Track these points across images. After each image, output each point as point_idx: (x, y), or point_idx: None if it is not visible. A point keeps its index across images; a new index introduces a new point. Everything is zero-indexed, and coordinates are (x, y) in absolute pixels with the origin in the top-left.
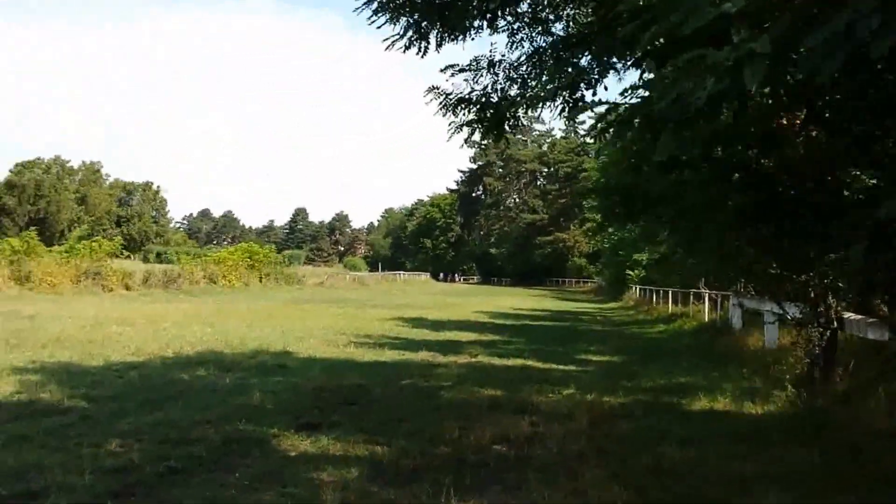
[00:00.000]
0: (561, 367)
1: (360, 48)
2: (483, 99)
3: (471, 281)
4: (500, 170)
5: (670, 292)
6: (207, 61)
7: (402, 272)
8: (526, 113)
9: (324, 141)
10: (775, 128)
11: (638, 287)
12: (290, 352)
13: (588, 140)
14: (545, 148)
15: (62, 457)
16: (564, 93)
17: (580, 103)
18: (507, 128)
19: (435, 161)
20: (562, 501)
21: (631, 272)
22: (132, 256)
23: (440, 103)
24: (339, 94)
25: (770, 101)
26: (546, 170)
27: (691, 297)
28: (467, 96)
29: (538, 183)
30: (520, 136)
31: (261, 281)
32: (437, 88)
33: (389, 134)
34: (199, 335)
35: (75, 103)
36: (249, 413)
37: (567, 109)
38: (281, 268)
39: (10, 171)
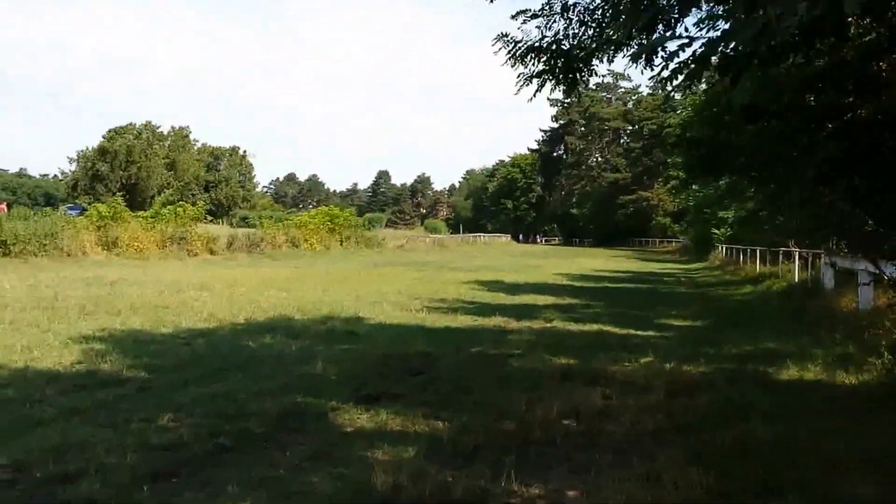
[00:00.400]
0: (639, 332)
1: (443, 11)
2: (553, 46)
3: (552, 242)
4: (582, 129)
5: (758, 251)
6: (291, 26)
7: (482, 234)
8: (600, 60)
9: (406, 103)
10: (875, 71)
11: (724, 246)
12: (361, 317)
13: (667, 89)
14: (630, 105)
15: (109, 433)
16: (641, 35)
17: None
18: (579, 78)
19: (517, 121)
20: (633, 487)
21: (717, 231)
22: (221, 221)
23: (508, 52)
24: (420, 56)
25: (870, 38)
26: (630, 127)
27: (780, 256)
28: (537, 44)
29: (621, 141)
30: (604, 94)
31: (341, 244)
32: (506, 36)
33: (471, 94)
34: (273, 300)
35: (164, 68)
36: (311, 384)
37: (642, 53)
38: (361, 231)
39: (103, 137)
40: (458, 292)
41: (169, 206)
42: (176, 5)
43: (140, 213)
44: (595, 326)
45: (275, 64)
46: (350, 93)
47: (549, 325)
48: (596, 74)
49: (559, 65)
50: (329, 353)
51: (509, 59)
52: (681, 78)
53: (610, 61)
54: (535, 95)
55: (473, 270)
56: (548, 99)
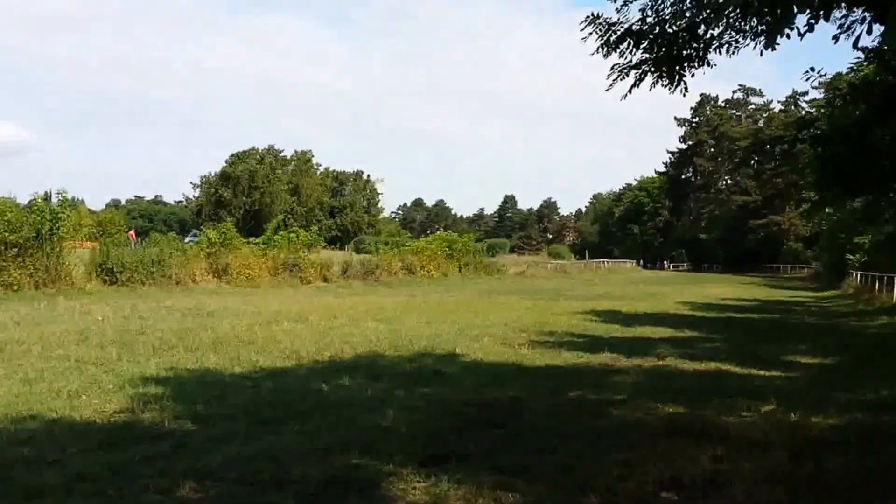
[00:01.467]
0: (762, 372)
1: (569, 33)
2: (656, 29)
3: (680, 268)
4: (712, 150)
5: (895, 279)
6: (419, 49)
7: (606, 259)
8: (712, 45)
9: (532, 128)
10: None
11: (859, 273)
12: (456, 354)
13: (804, 104)
14: (761, 123)
15: None
16: (764, 10)
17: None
18: (686, 69)
19: (646, 143)
20: None
21: (851, 257)
22: (347, 247)
23: (600, 36)
24: (546, 80)
25: None
26: (762, 147)
27: None
28: (636, 27)
29: (752, 162)
30: (733, 111)
31: (460, 271)
32: (598, 17)
33: (599, 116)
34: (368, 333)
35: (286, 92)
36: (374, 438)
37: (766, 32)
38: (480, 257)
39: (226, 162)
40: (569, 324)
41: (282, 232)
42: (300, 27)
43: (252, 239)
44: (712, 364)
45: (402, 88)
46: (477, 116)
47: (661, 362)
48: (708, 65)
49: (662, 52)
50: (406, 399)
51: (602, 46)
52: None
53: (726, 46)
54: (630, 91)
55: (591, 299)
56: (675, 118)
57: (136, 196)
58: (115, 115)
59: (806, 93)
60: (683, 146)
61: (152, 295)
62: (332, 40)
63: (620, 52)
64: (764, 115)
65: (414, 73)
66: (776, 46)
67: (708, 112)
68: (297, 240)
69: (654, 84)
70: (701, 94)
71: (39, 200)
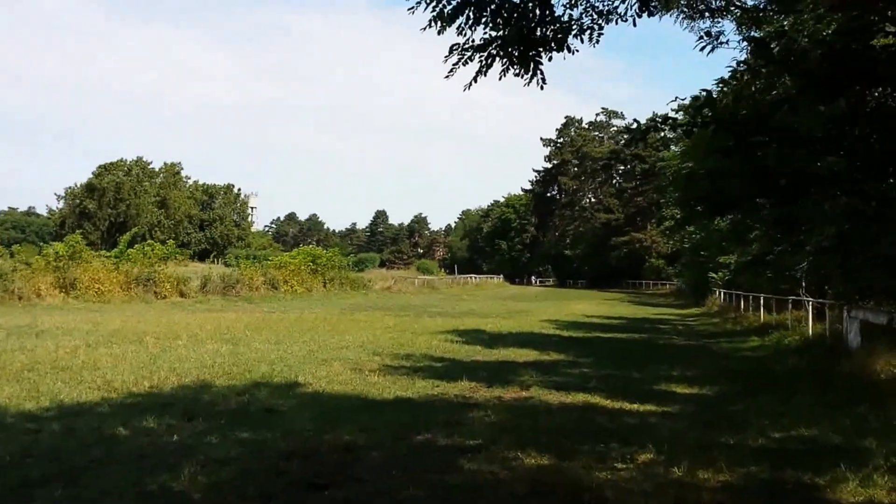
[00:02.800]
0: (635, 406)
1: (440, 53)
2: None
3: (546, 283)
4: (575, 168)
5: (762, 299)
6: (289, 63)
7: (473, 275)
8: (572, 30)
9: (403, 142)
10: None
11: (722, 291)
12: (298, 383)
13: (669, 133)
14: (621, 144)
15: None
16: None
17: None
18: (543, 56)
19: (513, 161)
20: None
21: (714, 275)
22: (216, 261)
23: (432, 7)
24: (418, 97)
25: None
26: (622, 167)
27: (790, 304)
28: None
29: (614, 181)
30: (595, 133)
31: (325, 286)
32: None
33: (468, 134)
34: (205, 357)
35: (160, 106)
36: None
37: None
38: (346, 272)
39: (93, 173)
40: (429, 345)
41: (137, 245)
42: (170, 40)
43: (103, 251)
44: (580, 396)
45: (273, 102)
46: (348, 132)
47: (524, 393)
48: (569, 50)
49: (510, 30)
50: (217, 449)
51: (434, 20)
52: None
53: (586, 33)
54: (476, 80)
55: (456, 316)
56: (541, 139)
57: (9, 207)
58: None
59: (666, 115)
60: (549, 165)
61: None
62: (206, 52)
63: (459, 29)
64: (625, 136)
65: (287, 90)
66: (652, 11)
67: (572, 133)
68: (153, 253)
69: (504, 72)
70: (566, 116)
71: None
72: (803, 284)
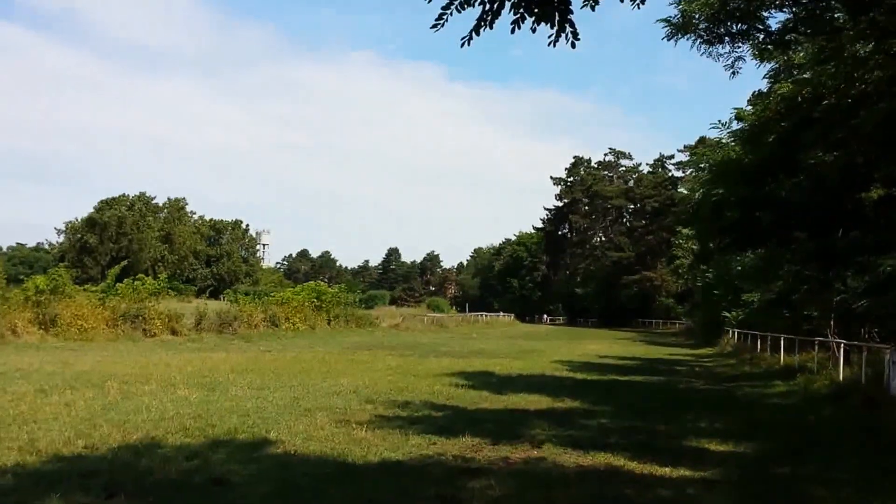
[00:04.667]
0: (666, 469)
1: (457, 93)
2: None
3: (557, 322)
4: (586, 207)
5: (782, 339)
6: (302, 105)
7: (484, 313)
8: None
9: (416, 182)
10: None
11: (736, 331)
12: (266, 441)
13: (677, 173)
14: (631, 183)
15: None
16: None
17: None
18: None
19: (525, 200)
20: None
21: (728, 314)
22: (224, 297)
23: None
24: (430, 137)
25: None
26: (632, 206)
27: (816, 346)
28: None
29: (624, 220)
30: (605, 172)
31: (329, 323)
32: None
33: (480, 173)
34: (168, 406)
35: (170, 144)
36: None
37: None
38: (352, 309)
39: (94, 208)
40: (431, 390)
41: (126, 280)
42: (178, 79)
43: (88, 286)
44: (601, 457)
45: (287, 146)
46: (361, 171)
47: (535, 452)
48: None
49: None
50: None
51: None
52: None
53: None
54: (477, 32)
55: (464, 356)
56: (551, 178)
57: (17, 243)
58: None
59: (672, 156)
60: (559, 203)
61: None
62: (223, 103)
63: None
64: (633, 175)
65: (300, 135)
66: None
67: (582, 172)
68: (143, 287)
69: (517, 22)
70: (574, 156)
71: None
72: (831, 325)
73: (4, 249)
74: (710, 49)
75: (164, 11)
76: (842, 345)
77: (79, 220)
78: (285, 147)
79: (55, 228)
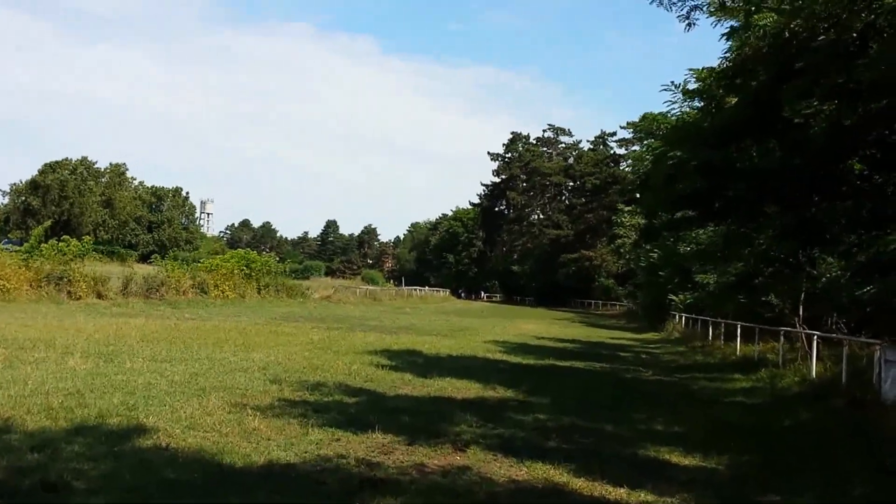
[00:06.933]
0: (622, 493)
1: (393, 66)
2: None
3: (494, 299)
4: (524, 184)
5: (739, 327)
6: (244, 81)
7: (419, 287)
8: None
9: (356, 155)
10: None
11: (684, 316)
12: (139, 429)
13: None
14: (571, 161)
15: None
16: None
17: None
18: None
19: (462, 174)
20: None
21: (675, 297)
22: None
23: None
24: (371, 108)
25: None
26: (572, 183)
27: (781, 336)
28: None
29: (563, 197)
30: (544, 149)
31: (259, 293)
32: None
33: (417, 146)
34: (47, 380)
35: (113, 109)
36: None
37: None
38: (282, 279)
39: (38, 171)
40: (349, 370)
41: (51, 241)
42: (125, 46)
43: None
44: (539, 469)
45: (228, 110)
46: (300, 142)
47: (458, 458)
48: None
49: None
50: None
51: None
52: None
53: None
54: None
55: (393, 332)
56: (488, 153)
57: None
58: None
59: (614, 133)
60: (497, 180)
61: None
62: (164, 70)
63: None
64: (573, 153)
65: (243, 105)
66: None
67: (520, 148)
68: (68, 249)
69: None
70: (512, 132)
71: None
72: (800, 313)
73: None
74: None
75: None
76: (814, 337)
77: (23, 182)
78: (227, 116)
79: (0, 190)
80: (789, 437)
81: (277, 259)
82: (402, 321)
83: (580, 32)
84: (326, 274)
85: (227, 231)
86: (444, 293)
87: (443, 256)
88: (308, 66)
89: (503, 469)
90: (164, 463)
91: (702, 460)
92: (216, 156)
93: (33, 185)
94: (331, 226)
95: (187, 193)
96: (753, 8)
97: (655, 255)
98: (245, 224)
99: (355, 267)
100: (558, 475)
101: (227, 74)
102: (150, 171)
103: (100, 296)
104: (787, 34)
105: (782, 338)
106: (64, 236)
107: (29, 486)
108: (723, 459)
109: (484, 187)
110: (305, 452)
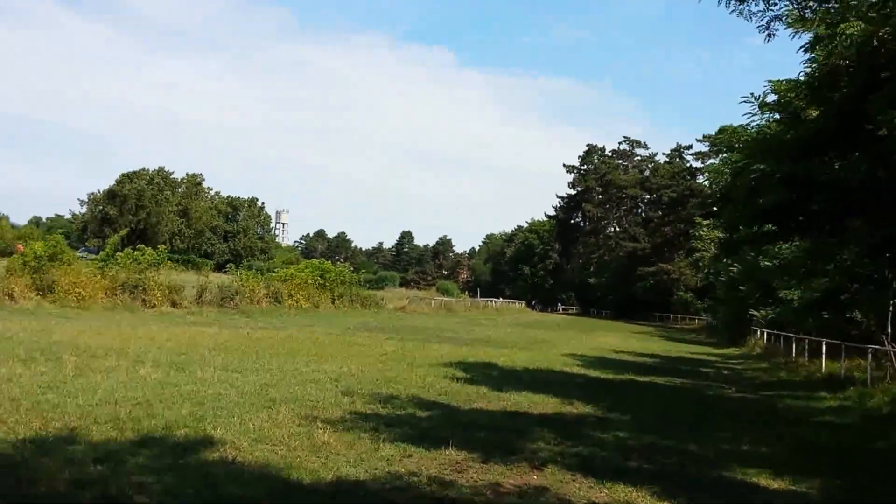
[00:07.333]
0: None
1: (467, 78)
2: None
3: (570, 311)
4: (600, 196)
5: (824, 344)
6: (318, 93)
7: (494, 299)
8: None
9: (430, 166)
10: None
11: (765, 331)
12: (206, 441)
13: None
14: (647, 173)
15: None
16: None
17: None
18: None
19: (538, 186)
20: None
21: (756, 312)
22: (238, 272)
23: None
24: (445, 124)
25: None
26: (648, 196)
27: (869, 354)
28: None
29: (639, 210)
30: (619, 161)
31: (333, 303)
32: None
33: (492, 157)
34: (117, 389)
35: (194, 123)
36: None
37: None
38: (356, 289)
39: (115, 181)
40: (422, 382)
41: (127, 250)
42: (204, 61)
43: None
44: (620, 491)
45: (305, 122)
46: (375, 154)
47: (535, 478)
48: None
49: None
50: None
51: None
52: None
53: None
54: None
55: (468, 344)
56: (564, 165)
57: (56, 214)
58: (42, 142)
59: (690, 146)
60: (572, 192)
61: None
62: (240, 86)
63: None
64: (649, 165)
65: (319, 119)
66: None
67: (595, 160)
68: (143, 258)
69: None
70: (588, 144)
71: None
72: (888, 331)
73: (44, 220)
74: (741, 6)
75: None
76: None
77: (100, 192)
78: (302, 127)
79: (78, 200)
80: (882, 460)
81: (352, 269)
82: (477, 333)
83: (652, 44)
84: (401, 284)
85: (302, 241)
86: (519, 305)
87: (518, 268)
88: (383, 77)
89: (582, 490)
90: (229, 477)
91: (792, 483)
92: (291, 167)
93: (111, 195)
94: (405, 236)
95: (263, 204)
96: (839, 18)
97: (736, 270)
98: (320, 234)
99: (430, 278)
100: (641, 498)
101: (302, 86)
102: (225, 183)
103: (174, 304)
104: (874, 42)
105: (870, 355)
106: (139, 245)
107: (90, 499)
108: (814, 483)
109: (559, 199)
110: (375, 469)
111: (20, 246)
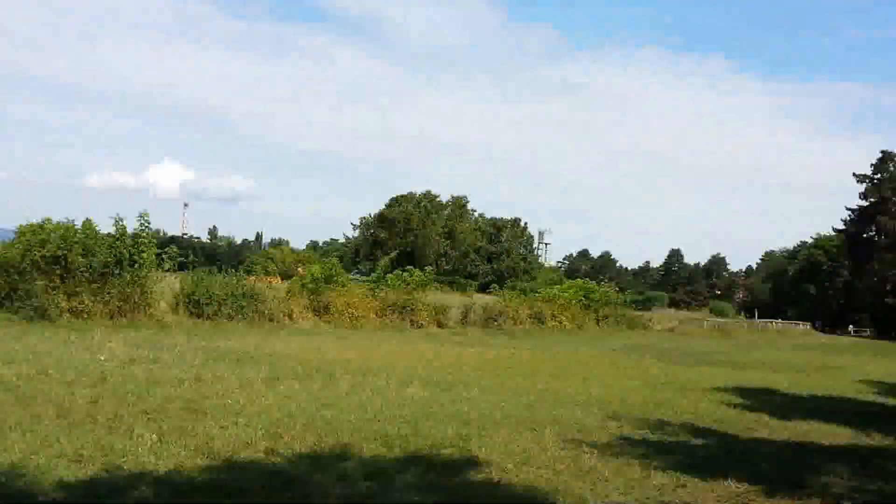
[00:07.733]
0: None
1: (736, 86)
2: None
3: (863, 334)
4: None
5: None
6: (581, 110)
7: (774, 320)
8: None
9: (701, 180)
10: None
11: None
12: (470, 463)
13: None
14: None
15: None
16: None
17: None
18: None
19: (819, 200)
20: None
21: None
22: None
23: None
24: (711, 141)
25: None
26: None
27: None
28: None
29: None
30: None
31: (598, 323)
32: None
33: (768, 174)
34: (386, 408)
35: (452, 144)
36: None
37: None
38: (622, 309)
39: (385, 204)
40: (695, 408)
41: (396, 271)
42: (465, 82)
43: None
44: None
45: (567, 142)
46: (641, 170)
47: None
48: None
49: None
50: None
51: None
52: None
53: None
54: None
55: (744, 368)
56: (854, 174)
57: (331, 238)
58: (322, 171)
59: None
60: (864, 203)
61: (230, 330)
62: (497, 104)
63: None
64: None
65: (580, 136)
66: None
67: (891, 168)
68: (411, 279)
69: None
70: (882, 151)
71: (120, 225)
72: None
73: (320, 244)
74: None
75: (454, 13)
76: None
77: (371, 215)
78: (565, 147)
79: (351, 224)
80: None
81: (617, 289)
82: (755, 356)
83: None
84: (670, 305)
85: (565, 261)
86: (804, 327)
87: (802, 287)
88: (653, 92)
89: None
90: (493, 499)
91: None
92: (553, 187)
93: (381, 219)
94: (674, 255)
95: (525, 224)
96: None
97: None
98: (583, 254)
99: (702, 298)
100: None
101: (563, 105)
102: (488, 204)
103: (440, 325)
104: None
105: None
106: (408, 267)
107: None
108: None
109: (849, 212)
110: (647, 498)
111: (301, 269)
